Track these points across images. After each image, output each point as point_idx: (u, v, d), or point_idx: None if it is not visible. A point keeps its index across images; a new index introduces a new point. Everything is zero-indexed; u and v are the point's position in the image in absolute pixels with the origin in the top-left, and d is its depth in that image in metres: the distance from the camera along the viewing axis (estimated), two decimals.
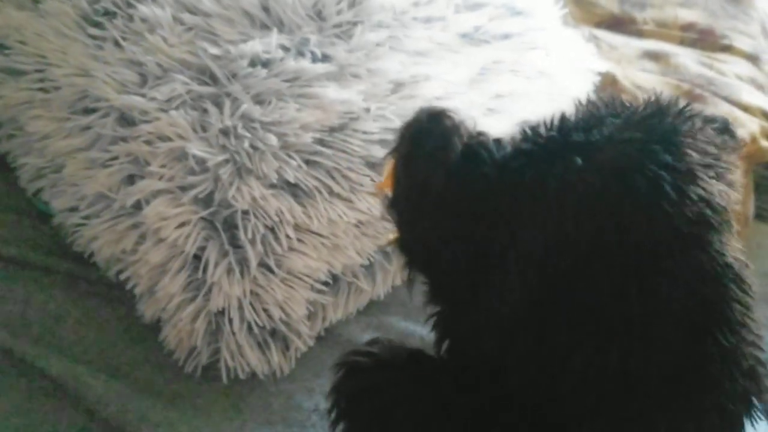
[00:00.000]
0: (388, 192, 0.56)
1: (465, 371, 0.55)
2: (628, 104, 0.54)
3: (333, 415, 0.60)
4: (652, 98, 0.54)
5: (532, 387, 0.51)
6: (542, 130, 0.51)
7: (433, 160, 0.52)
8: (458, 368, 0.56)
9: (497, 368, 0.52)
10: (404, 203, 0.55)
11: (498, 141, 0.53)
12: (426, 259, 0.55)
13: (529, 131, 0.52)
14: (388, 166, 0.57)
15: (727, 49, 1.31)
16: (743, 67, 1.28)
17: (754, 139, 1.12)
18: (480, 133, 0.54)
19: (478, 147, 0.52)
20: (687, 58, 1.27)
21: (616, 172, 0.47)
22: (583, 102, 0.54)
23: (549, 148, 0.50)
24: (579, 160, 0.48)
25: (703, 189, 0.47)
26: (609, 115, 0.51)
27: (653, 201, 0.46)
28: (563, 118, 0.52)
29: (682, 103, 0.54)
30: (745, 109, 1.17)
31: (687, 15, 1.36)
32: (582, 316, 0.47)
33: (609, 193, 0.47)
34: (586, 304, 0.47)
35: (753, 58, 1.31)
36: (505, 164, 0.51)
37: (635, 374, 0.47)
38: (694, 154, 0.48)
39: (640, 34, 1.33)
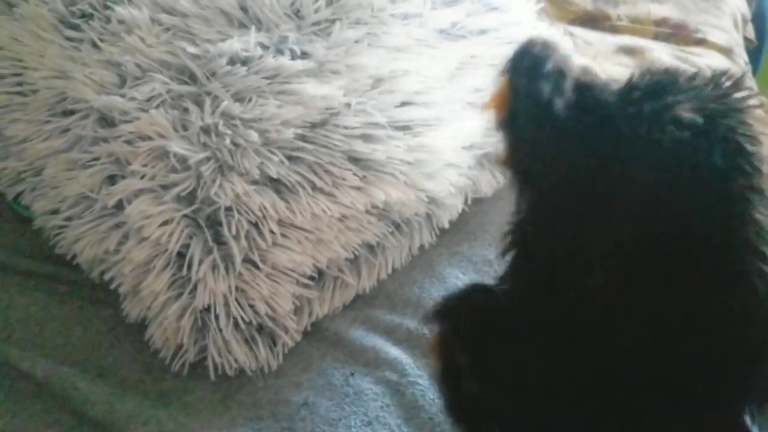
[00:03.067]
0: (495, 110, 0.57)
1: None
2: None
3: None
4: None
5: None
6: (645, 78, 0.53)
7: (554, 82, 0.53)
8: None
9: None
10: (522, 122, 0.55)
11: (603, 80, 0.54)
12: (534, 181, 0.56)
13: (635, 77, 0.53)
14: (500, 85, 0.57)
15: (701, 42, 1.33)
16: (717, 60, 1.30)
17: None
18: (587, 70, 0.55)
19: (590, 79, 0.54)
20: (662, 53, 1.29)
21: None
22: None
23: (657, 90, 0.51)
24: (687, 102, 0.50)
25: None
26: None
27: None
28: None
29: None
30: None
31: (660, 10, 1.39)
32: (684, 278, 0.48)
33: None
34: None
35: (726, 51, 1.33)
36: (623, 95, 0.52)
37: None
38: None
39: (614, 29, 1.35)
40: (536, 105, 0.53)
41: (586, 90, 0.53)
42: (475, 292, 0.62)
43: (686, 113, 0.49)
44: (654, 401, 0.51)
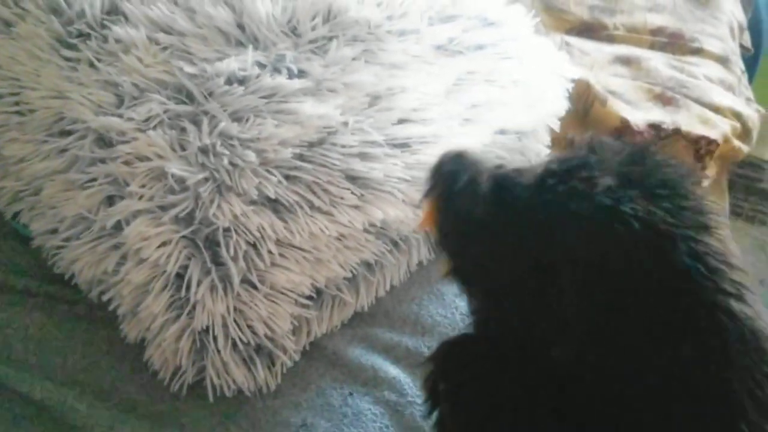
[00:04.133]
0: (430, 230, 0.64)
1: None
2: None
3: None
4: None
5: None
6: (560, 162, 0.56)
7: (469, 192, 0.58)
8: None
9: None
10: (451, 236, 0.61)
11: (518, 170, 0.59)
12: (480, 283, 0.61)
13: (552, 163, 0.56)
14: (426, 208, 0.63)
15: (697, 51, 1.33)
16: (713, 69, 1.31)
17: (726, 140, 1.15)
18: (499, 166, 0.60)
19: (504, 175, 0.58)
20: (658, 62, 1.30)
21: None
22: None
23: (572, 171, 0.54)
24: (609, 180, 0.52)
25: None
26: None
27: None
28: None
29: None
30: (717, 110, 1.20)
31: (656, 19, 1.39)
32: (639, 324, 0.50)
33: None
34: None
35: (723, 60, 1.33)
36: (535, 184, 0.55)
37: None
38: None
39: (610, 39, 1.36)
40: (459, 219, 0.59)
41: (502, 187, 0.57)
42: (461, 338, 0.67)
43: (601, 180, 0.51)
44: None
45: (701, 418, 0.49)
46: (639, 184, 0.52)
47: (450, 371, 0.63)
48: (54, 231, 0.80)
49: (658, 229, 0.50)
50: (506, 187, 0.57)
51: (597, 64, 1.28)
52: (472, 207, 0.57)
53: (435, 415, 0.63)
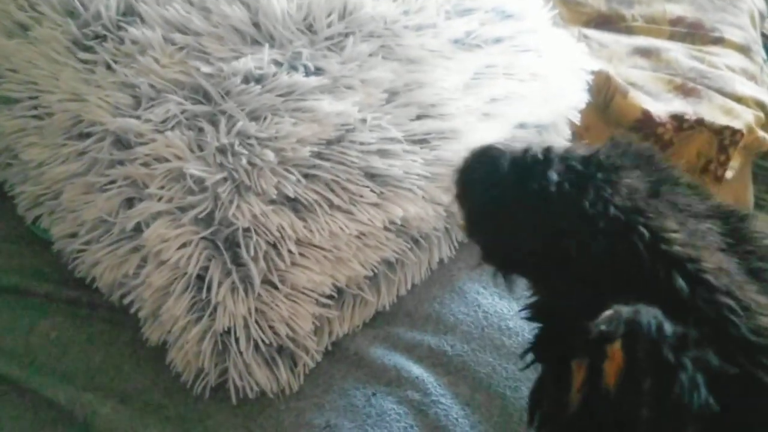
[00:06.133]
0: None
1: None
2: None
3: None
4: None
5: None
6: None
7: (484, 182, 0.60)
8: None
9: None
10: (474, 226, 0.63)
11: (547, 149, 0.59)
12: (509, 264, 0.62)
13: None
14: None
15: (718, 41, 1.31)
16: (735, 59, 1.28)
17: (750, 130, 1.12)
18: (527, 149, 0.60)
19: (525, 158, 0.59)
20: (678, 53, 1.27)
21: None
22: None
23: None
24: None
25: None
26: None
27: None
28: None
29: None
30: (739, 100, 1.18)
31: (675, 9, 1.36)
32: None
33: None
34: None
35: (744, 49, 1.31)
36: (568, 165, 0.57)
37: None
38: None
39: (629, 30, 1.33)
40: (477, 205, 0.61)
41: (522, 169, 0.58)
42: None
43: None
44: None
45: None
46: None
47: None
48: (74, 235, 0.80)
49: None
50: (529, 169, 0.58)
51: (616, 57, 1.26)
52: (490, 190, 0.59)
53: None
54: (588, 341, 0.50)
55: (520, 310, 0.64)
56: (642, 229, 0.53)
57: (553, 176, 0.56)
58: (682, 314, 0.50)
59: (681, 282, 0.52)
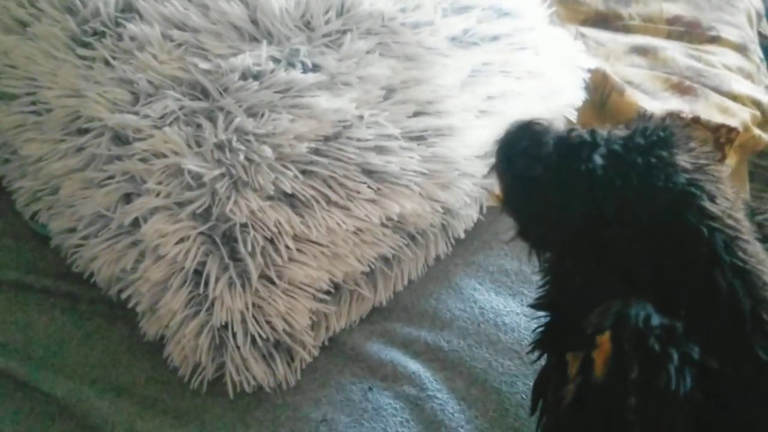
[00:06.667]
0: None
1: None
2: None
3: None
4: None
5: None
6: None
7: (528, 156, 0.59)
8: None
9: None
10: (511, 200, 0.62)
11: (593, 130, 0.59)
12: (544, 243, 0.62)
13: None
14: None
15: (715, 40, 1.31)
16: (731, 58, 1.29)
17: (746, 128, 1.13)
18: (572, 129, 0.60)
19: (571, 137, 0.59)
20: (675, 52, 1.28)
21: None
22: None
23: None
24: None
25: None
26: None
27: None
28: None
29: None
30: (735, 98, 1.18)
31: (672, 8, 1.37)
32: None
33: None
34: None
35: (741, 48, 1.31)
36: (610, 153, 0.57)
37: None
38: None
39: (626, 29, 1.34)
40: (518, 180, 0.60)
41: (569, 150, 0.58)
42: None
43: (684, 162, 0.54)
44: None
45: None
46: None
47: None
48: (72, 230, 0.80)
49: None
50: (574, 149, 0.57)
51: (613, 55, 1.27)
52: (531, 167, 0.58)
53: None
54: (583, 334, 0.51)
55: (530, 305, 0.64)
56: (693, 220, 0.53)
57: (598, 159, 0.56)
58: (713, 307, 0.52)
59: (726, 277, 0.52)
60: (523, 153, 0.59)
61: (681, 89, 1.18)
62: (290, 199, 0.75)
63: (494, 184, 0.69)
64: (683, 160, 0.56)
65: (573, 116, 0.99)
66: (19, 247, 0.87)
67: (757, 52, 1.36)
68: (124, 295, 0.78)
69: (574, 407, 0.52)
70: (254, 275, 0.72)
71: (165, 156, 0.74)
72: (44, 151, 0.80)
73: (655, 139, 0.56)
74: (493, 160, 0.63)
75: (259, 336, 0.73)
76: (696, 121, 1.10)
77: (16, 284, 0.83)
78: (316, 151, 0.76)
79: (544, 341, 0.63)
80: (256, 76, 0.78)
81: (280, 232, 0.73)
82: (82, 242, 0.79)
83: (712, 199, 0.54)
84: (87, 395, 0.73)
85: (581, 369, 0.51)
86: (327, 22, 0.82)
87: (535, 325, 0.65)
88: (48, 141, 0.80)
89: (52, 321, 0.80)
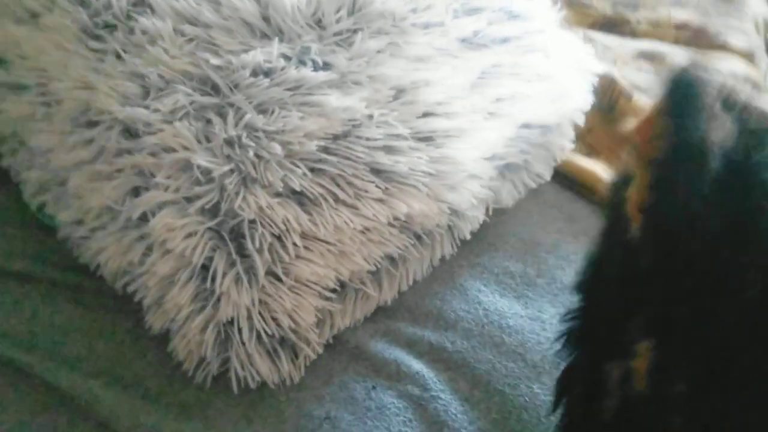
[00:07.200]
0: (640, 143, 0.49)
1: None
2: None
3: None
4: None
5: None
6: None
7: (720, 122, 0.45)
8: None
9: None
10: (678, 171, 0.47)
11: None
12: (674, 227, 0.48)
13: None
14: (650, 115, 0.49)
15: (722, 47, 1.32)
16: (738, 65, 1.29)
17: None
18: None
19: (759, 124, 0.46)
20: (682, 58, 1.28)
21: None
22: None
23: None
24: None
25: None
26: None
27: None
28: None
29: None
30: None
31: (680, 14, 1.37)
32: None
33: None
34: None
35: (748, 56, 1.32)
36: None
37: None
38: None
39: (634, 34, 1.34)
40: (696, 156, 0.45)
41: (751, 138, 0.45)
42: None
43: None
44: None
45: None
46: None
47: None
48: (79, 222, 0.80)
49: None
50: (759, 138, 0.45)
51: (620, 59, 1.27)
52: (697, 183, 0.45)
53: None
54: (621, 340, 0.45)
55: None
56: None
57: None
58: None
59: None
60: (713, 116, 0.45)
61: None
62: (298, 197, 0.75)
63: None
64: None
65: (581, 120, 0.99)
66: (25, 237, 0.87)
67: (764, 59, 1.36)
68: (130, 289, 0.78)
69: (614, 421, 0.47)
70: (261, 271, 0.72)
71: (174, 150, 0.74)
72: (53, 143, 0.81)
73: None
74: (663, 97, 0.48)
75: (265, 332, 0.73)
76: None
77: (21, 275, 0.83)
78: (326, 150, 0.76)
79: (576, 335, 0.54)
80: (267, 73, 0.78)
81: (287, 229, 0.73)
82: (89, 234, 0.79)
83: None
84: (91, 387, 0.73)
85: (621, 380, 0.45)
86: (338, 20, 0.82)
87: (565, 315, 0.56)
88: (57, 132, 0.80)
89: (57, 312, 0.80)
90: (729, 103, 0.45)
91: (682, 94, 0.46)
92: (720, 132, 0.45)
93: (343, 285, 0.80)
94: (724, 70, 1.25)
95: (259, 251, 0.72)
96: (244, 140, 0.74)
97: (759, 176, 0.45)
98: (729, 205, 0.45)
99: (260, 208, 0.72)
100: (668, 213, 0.47)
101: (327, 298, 0.77)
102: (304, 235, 0.74)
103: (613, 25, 1.34)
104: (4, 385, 0.74)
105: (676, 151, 0.46)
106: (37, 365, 0.75)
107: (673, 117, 0.46)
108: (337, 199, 0.76)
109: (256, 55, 0.78)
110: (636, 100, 1.12)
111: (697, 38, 1.33)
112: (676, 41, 1.33)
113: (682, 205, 0.46)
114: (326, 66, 0.80)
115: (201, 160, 0.73)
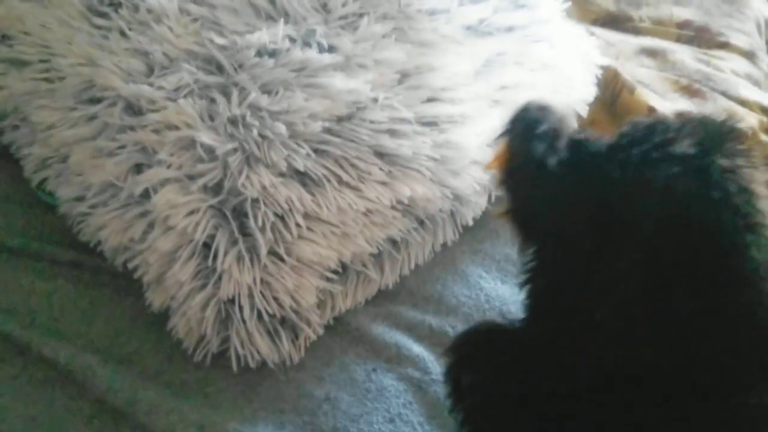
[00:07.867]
0: (495, 170, 0.63)
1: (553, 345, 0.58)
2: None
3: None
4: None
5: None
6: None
7: (547, 140, 0.58)
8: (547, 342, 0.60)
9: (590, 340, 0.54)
10: (519, 177, 0.61)
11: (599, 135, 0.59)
12: (536, 232, 0.61)
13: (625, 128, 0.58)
14: (499, 148, 0.62)
15: (724, 46, 1.32)
16: (740, 64, 1.29)
17: (753, 134, 1.13)
18: (580, 130, 0.61)
19: (585, 135, 0.60)
20: (684, 55, 1.28)
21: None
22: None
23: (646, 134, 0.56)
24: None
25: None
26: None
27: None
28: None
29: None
30: (743, 103, 1.19)
31: (682, 13, 1.38)
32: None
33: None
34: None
35: (749, 55, 1.32)
36: (613, 145, 0.56)
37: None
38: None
39: (636, 31, 1.34)
40: (530, 164, 0.58)
41: (579, 146, 0.58)
42: (482, 325, 0.70)
43: (680, 148, 0.52)
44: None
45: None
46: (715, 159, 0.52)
47: (474, 362, 0.63)
48: (80, 198, 0.80)
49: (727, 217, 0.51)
50: (584, 144, 0.58)
51: (623, 55, 1.27)
52: (546, 155, 0.57)
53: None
54: None
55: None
56: None
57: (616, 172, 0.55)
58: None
59: None
60: (542, 137, 0.59)
61: (690, 92, 1.19)
62: (302, 177, 0.74)
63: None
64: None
65: (584, 111, 0.99)
66: (25, 213, 0.87)
67: (766, 60, 1.37)
68: (130, 266, 0.77)
69: None
70: (263, 250, 0.72)
71: (178, 128, 0.74)
72: (55, 119, 0.80)
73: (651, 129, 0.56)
74: (504, 127, 0.62)
75: (266, 311, 0.73)
76: None
77: (20, 251, 0.83)
78: (330, 131, 0.76)
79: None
80: (272, 54, 0.77)
81: (290, 209, 0.73)
82: (90, 211, 0.79)
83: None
84: (89, 363, 0.73)
85: None
86: (344, 4, 0.82)
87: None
88: (60, 109, 0.80)
89: (56, 289, 0.80)
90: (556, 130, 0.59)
91: (520, 125, 0.61)
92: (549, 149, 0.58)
93: (344, 267, 0.79)
94: (726, 68, 1.26)
95: (262, 230, 0.72)
96: (248, 119, 0.73)
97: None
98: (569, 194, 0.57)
99: (263, 187, 0.72)
100: (520, 209, 0.61)
101: (329, 279, 0.77)
102: (307, 216, 0.74)
103: (615, 21, 1.34)
104: (2, 361, 0.74)
105: (516, 159, 0.60)
106: (36, 341, 0.75)
107: (512, 139, 0.61)
108: (340, 181, 0.75)
109: (262, 36, 0.78)
110: (638, 93, 1.12)
111: (699, 37, 1.34)
112: (678, 39, 1.33)
113: (526, 201, 0.61)
114: (331, 49, 0.80)
115: (204, 137, 0.73)
